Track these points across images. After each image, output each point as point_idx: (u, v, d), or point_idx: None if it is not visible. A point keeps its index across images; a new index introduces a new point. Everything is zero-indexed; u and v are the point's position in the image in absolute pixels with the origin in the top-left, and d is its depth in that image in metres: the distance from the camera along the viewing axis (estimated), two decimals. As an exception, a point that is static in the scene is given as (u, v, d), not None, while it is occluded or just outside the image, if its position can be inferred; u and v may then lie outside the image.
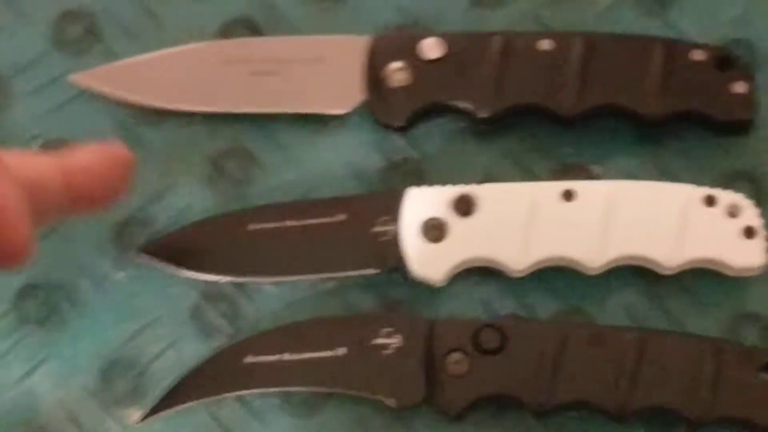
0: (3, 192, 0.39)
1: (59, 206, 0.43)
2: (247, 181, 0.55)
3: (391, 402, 0.49)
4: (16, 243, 0.39)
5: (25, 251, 0.40)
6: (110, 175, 0.46)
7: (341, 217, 0.53)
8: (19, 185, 0.40)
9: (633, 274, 0.52)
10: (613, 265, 0.51)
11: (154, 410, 0.50)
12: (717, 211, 0.50)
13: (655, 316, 0.52)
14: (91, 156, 0.45)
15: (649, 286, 0.52)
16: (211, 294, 0.53)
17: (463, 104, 0.53)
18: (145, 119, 0.55)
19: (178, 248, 0.53)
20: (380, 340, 0.50)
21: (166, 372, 0.51)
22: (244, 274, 0.53)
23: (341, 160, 0.55)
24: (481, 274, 0.52)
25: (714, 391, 0.47)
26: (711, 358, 0.48)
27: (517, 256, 0.51)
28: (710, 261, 0.50)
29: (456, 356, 0.49)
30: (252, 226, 0.53)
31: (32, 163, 0.42)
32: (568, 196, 0.51)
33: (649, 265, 0.51)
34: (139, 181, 0.54)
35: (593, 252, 0.51)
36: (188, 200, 0.54)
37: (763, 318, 0.51)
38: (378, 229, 0.52)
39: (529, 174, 0.54)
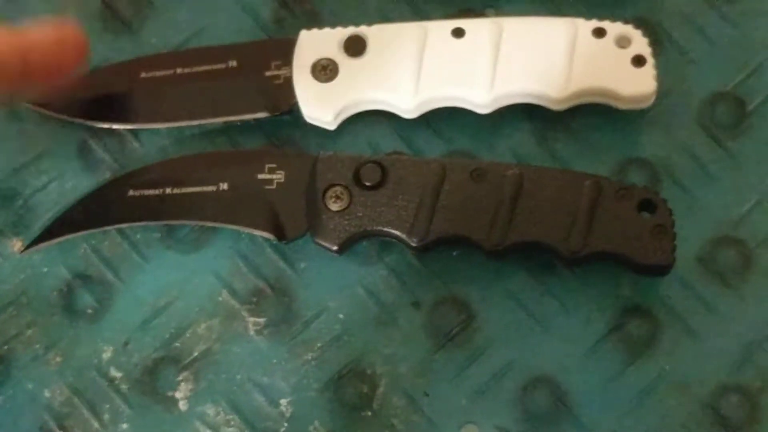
0: None
1: (13, 81, 0.43)
2: (139, 20, 0.54)
3: (273, 237, 0.49)
4: None
5: None
6: (63, 53, 0.46)
7: (233, 63, 0.52)
8: None
9: (523, 118, 0.52)
10: (505, 102, 0.51)
11: (36, 241, 0.50)
12: (607, 42, 0.50)
13: (544, 160, 0.51)
14: (45, 34, 0.46)
15: (538, 129, 0.52)
16: (99, 130, 0.52)
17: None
18: (37, -43, 0.55)
19: (70, 98, 0.52)
20: (263, 176, 0.50)
21: (50, 204, 0.51)
22: (136, 121, 0.52)
23: (235, 1, 0.54)
24: (373, 118, 0.52)
25: (591, 226, 0.47)
26: (590, 193, 0.48)
27: (408, 95, 0.51)
28: (601, 91, 0.50)
29: (337, 191, 0.49)
30: (144, 74, 0.52)
31: None
32: (457, 33, 0.51)
33: (540, 101, 0.50)
34: (28, 15, 0.54)
35: (483, 88, 0.50)
36: (79, 37, 0.54)
37: (649, 162, 0.51)
38: (271, 73, 0.52)
39: (424, 19, 0.53)
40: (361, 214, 0.49)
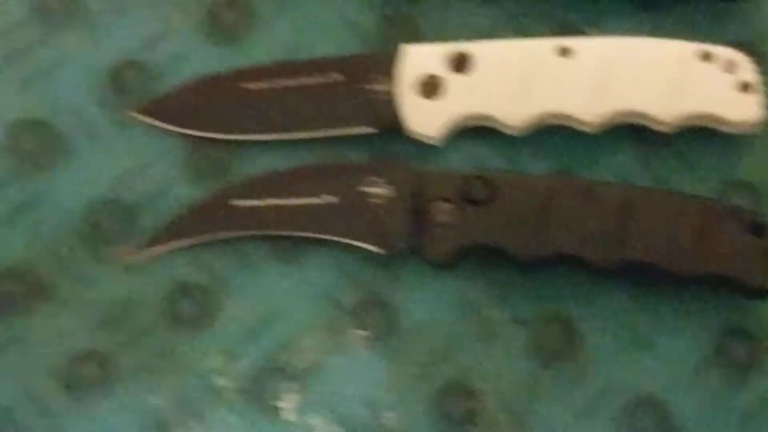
0: None
1: None
2: (242, 31, 0.54)
3: (377, 249, 0.50)
4: None
5: None
6: None
7: (336, 76, 0.53)
8: None
9: (627, 138, 0.52)
10: (610, 122, 0.51)
11: (142, 250, 0.50)
12: (713, 66, 0.50)
13: (647, 180, 0.52)
14: None
15: (642, 150, 0.52)
16: (203, 139, 0.53)
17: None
18: (143, -35, 0.55)
19: (174, 107, 0.53)
20: (369, 189, 0.50)
21: (155, 214, 0.51)
22: (238, 132, 0.53)
23: (338, 15, 0.54)
24: (476, 134, 0.52)
25: (700, 248, 0.47)
26: (699, 215, 0.48)
27: (513, 112, 0.51)
28: (707, 116, 0.50)
29: (444, 206, 0.49)
30: (246, 85, 0.53)
31: None
32: (563, 52, 0.51)
33: (645, 122, 0.51)
34: (135, 25, 0.54)
35: (589, 107, 0.50)
36: (183, 47, 0.54)
37: (753, 185, 0.51)
38: (373, 87, 0.52)
39: (526, 35, 0.54)
40: (467, 230, 0.49)
